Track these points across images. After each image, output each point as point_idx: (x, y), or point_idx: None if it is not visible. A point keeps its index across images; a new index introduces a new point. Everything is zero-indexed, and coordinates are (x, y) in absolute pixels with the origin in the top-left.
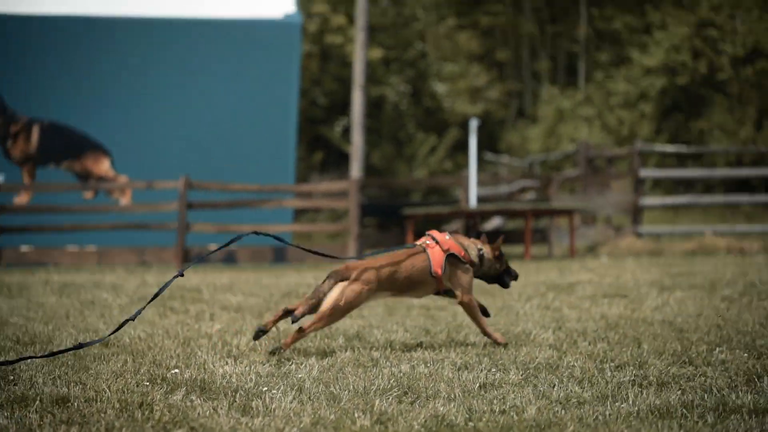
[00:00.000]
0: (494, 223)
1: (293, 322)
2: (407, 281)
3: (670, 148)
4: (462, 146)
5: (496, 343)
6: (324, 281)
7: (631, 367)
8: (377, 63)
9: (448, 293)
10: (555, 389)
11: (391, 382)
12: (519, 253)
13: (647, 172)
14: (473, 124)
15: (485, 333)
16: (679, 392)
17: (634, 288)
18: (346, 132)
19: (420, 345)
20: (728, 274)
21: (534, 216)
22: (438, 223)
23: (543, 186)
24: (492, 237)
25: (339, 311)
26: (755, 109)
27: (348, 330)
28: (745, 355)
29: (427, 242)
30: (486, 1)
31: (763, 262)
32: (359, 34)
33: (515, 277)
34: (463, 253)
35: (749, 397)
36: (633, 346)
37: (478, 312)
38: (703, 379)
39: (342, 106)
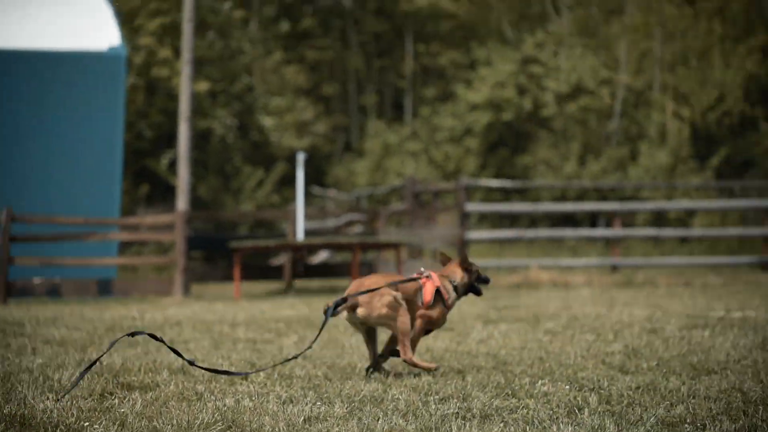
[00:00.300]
0: (322, 256)
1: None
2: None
3: (495, 183)
4: (289, 180)
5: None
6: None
7: (455, 400)
8: (204, 96)
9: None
10: (379, 422)
11: (216, 416)
12: (346, 287)
13: (473, 207)
14: (300, 158)
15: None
16: (502, 424)
17: (459, 321)
18: (173, 165)
19: (245, 379)
20: (552, 307)
21: (361, 249)
22: (265, 256)
23: (370, 220)
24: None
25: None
26: (579, 144)
27: (172, 363)
28: (567, 387)
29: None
30: (313, 36)
31: (587, 295)
32: (185, 67)
33: (486, 281)
34: (446, 296)
35: (570, 429)
36: (457, 378)
37: (405, 341)
38: (525, 411)
39: (168, 139)
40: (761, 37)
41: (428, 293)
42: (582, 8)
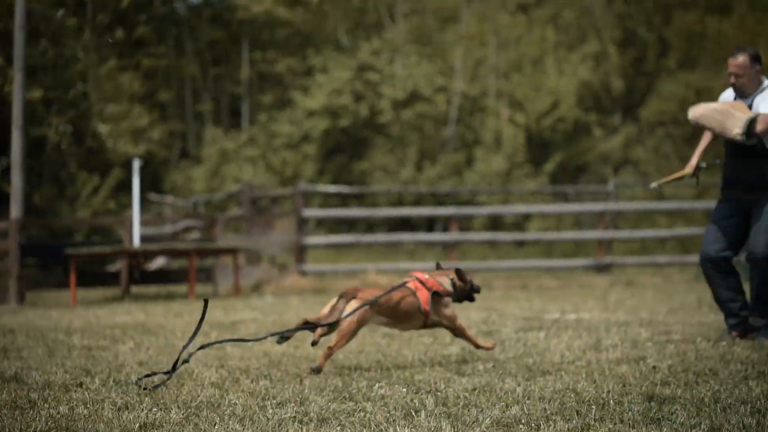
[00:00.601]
0: (159, 262)
1: (313, 345)
2: (400, 312)
3: (332, 189)
4: (126, 186)
5: (487, 349)
6: (338, 301)
7: (293, 404)
8: (37, 103)
9: (436, 325)
10: (216, 427)
11: (49, 424)
12: (183, 292)
13: (310, 212)
14: (135, 165)
15: (477, 346)
16: (339, 428)
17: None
18: (6, 172)
19: (80, 385)
20: None
21: (198, 255)
22: (102, 263)
23: (208, 226)
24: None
25: (355, 329)
26: (415, 150)
27: (5, 371)
28: (404, 389)
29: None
30: (148, 44)
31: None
32: (17, 75)
33: (478, 290)
34: (442, 289)
35: (407, 431)
36: (295, 383)
37: (468, 331)
38: (362, 414)
39: (1, 147)
40: (593, 45)
41: (424, 302)
42: (417, 16)
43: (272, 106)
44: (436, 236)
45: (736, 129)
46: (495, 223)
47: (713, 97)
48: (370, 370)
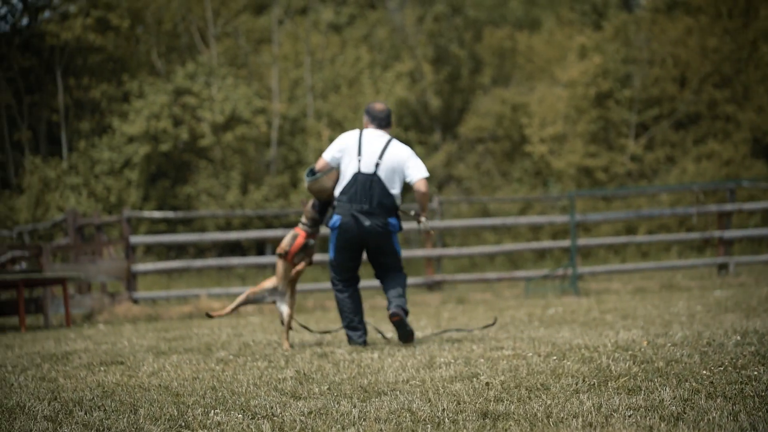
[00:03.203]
0: None
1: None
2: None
3: (158, 214)
4: None
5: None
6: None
7: None
8: None
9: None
10: None
11: None
12: (14, 325)
13: (138, 239)
14: None
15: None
16: None
17: (130, 354)
18: None
19: None
20: (224, 335)
21: (27, 286)
22: None
23: (34, 255)
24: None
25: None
26: (239, 173)
27: None
28: (240, 415)
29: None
30: None
31: (258, 322)
32: None
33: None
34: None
35: None
36: (129, 412)
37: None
38: None
39: None
40: (407, 63)
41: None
42: (230, 38)
43: (91, 132)
44: (267, 259)
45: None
46: (326, 243)
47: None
48: (205, 396)
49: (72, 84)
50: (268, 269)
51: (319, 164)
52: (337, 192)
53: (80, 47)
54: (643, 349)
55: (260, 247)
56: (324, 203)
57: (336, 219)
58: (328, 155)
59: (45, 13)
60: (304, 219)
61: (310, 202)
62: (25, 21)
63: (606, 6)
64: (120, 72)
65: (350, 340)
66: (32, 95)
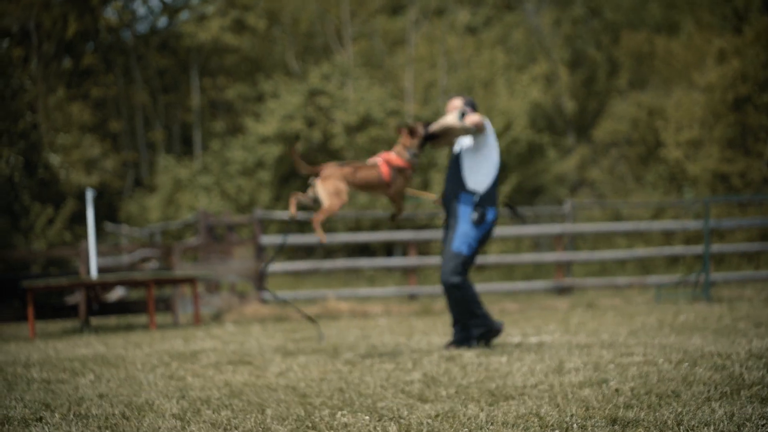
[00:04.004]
0: (117, 293)
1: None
2: (363, 182)
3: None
4: (80, 217)
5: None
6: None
7: None
8: None
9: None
10: None
11: None
12: (144, 323)
13: (268, 239)
14: (89, 195)
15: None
16: None
17: (258, 354)
18: None
19: (40, 420)
20: (351, 337)
21: (157, 285)
22: (60, 294)
23: (165, 255)
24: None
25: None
26: None
27: None
28: (367, 417)
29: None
30: (96, 73)
31: (385, 324)
32: None
33: (427, 130)
34: (402, 162)
35: None
36: (257, 412)
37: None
38: None
39: None
40: (543, 66)
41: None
42: (365, 40)
43: (224, 132)
44: (396, 261)
45: (450, 118)
46: None
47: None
48: (332, 398)
49: (207, 84)
50: (396, 271)
51: (477, 119)
52: (490, 180)
53: (216, 48)
54: None
55: (389, 248)
56: (425, 141)
57: (493, 211)
58: (488, 123)
59: (183, 14)
60: (407, 143)
61: (420, 125)
62: (163, 22)
63: (747, 10)
64: (255, 72)
65: (497, 330)
66: (168, 95)
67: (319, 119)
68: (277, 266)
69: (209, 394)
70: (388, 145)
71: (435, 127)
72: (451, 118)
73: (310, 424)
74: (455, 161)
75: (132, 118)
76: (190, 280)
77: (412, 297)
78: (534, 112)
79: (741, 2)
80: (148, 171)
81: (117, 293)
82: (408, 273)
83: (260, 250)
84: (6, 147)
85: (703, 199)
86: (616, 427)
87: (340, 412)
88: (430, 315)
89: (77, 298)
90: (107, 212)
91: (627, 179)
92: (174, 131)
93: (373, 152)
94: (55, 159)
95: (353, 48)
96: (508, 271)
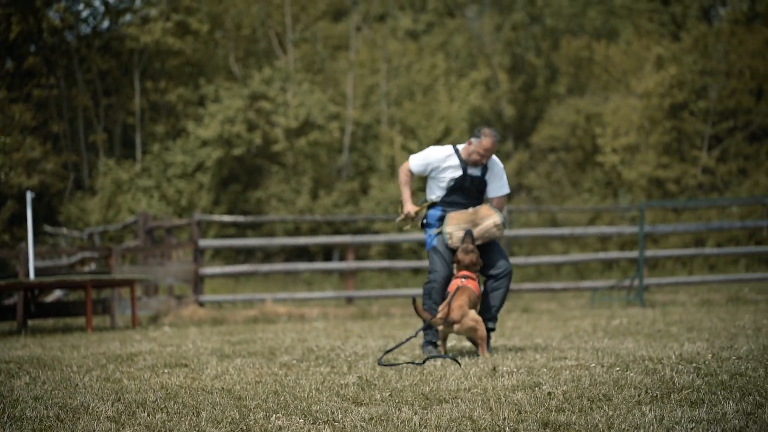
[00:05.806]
0: (55, 294)
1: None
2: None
3: (228, 218)
4: (20, 219)
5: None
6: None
7: None
8: None
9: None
10: None
11: None
12: (82, 325)
13: (207, 242)
14: (29, 197)
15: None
16: None
17: (194, 357)
18: None
19: None
20: (287, 340)
21: (95, 287)
22: None
23: (104, 257)
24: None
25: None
26: (310, 178)
27: None
28: (301, 420)
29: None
30: (38, 74)
31: (322, 327)
32: None
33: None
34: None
35: None
36: (192, 415)
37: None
38: None
39: None
40: (483, 71)
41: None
42: (307, 44)
43: (165, 135)
44: (334, 265)
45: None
46: (392, 250)
47: (601, 122)
48: (267, 401)
49: (149, 87)
50: (334, 274)
51: (503, 203)
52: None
53: (159, 51)
54: (707, 362)
55: (328, 252)
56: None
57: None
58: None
59: (126, 17)
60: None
61: (468, 244)
62: (105, 24)
63: (685, 17)
64: (197, 76)
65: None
66: (109, 97)
67: (260, 123)
68: (215, 269)
69: (145, 397)
70: (328, 149)
71: (479, 235)
72: (491, 225)
73: (244, 427)
74: (477, 183)
75: (73, 120)
76: (129, 283)
77: (350, 300)
78: (473, 117)
79: (679, 9)
80: (89, 173)
81: (55, 294)
82: (346, 276)
83: (199, 253)
84: None
85: (638, 204)
86: (548, 430)
87: (274, 415)
88: (366, 318)
89: (14, 299)
90: (47, 214)
91: (564, 184)
92: (115, 133)
93: (312, 157)
94: None
95: (295, 53)
96: None
